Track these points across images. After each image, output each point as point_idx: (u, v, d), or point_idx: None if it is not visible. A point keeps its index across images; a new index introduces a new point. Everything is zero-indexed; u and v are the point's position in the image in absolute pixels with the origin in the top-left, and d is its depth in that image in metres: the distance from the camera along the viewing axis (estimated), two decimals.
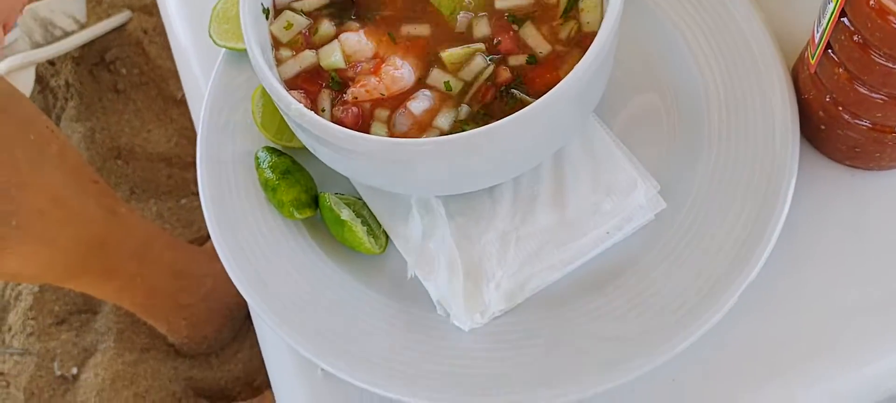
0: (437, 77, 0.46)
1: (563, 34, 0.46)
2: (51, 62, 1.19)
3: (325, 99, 0.46)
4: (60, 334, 1.08)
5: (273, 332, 0.50)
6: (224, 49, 0.55)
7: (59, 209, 0.79)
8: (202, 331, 1.03)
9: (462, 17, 0.47)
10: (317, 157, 0.47)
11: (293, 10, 0.49)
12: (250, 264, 0.49)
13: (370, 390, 0.46)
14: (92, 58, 1.19)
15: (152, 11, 1.21)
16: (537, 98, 0.41)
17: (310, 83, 0.47)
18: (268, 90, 0.44)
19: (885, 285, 0.46)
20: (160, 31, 1.20)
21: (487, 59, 0.45)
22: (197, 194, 1.13)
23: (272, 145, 0.53)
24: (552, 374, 0.44)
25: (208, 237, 1.12)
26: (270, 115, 0.53)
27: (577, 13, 0.46)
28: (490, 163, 0.44)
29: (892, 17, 0.39)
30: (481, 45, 0.46)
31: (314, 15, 0.49)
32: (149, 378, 1.03)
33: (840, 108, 0.46)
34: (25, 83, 1.01)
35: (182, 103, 1.17)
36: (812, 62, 0.46)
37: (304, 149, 0.50)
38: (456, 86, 0.45)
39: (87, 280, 0.90)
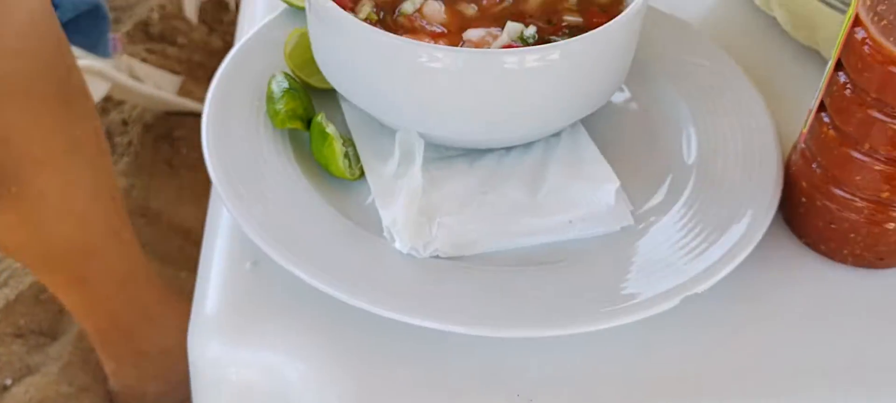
0: None
1: None
2: (125, 122, 1.27)
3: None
4: (13, 344, 1.05)
5: (228, 215, 0.50)
6: (286, 4, 0.60)
7: (61, 203, 0.79)
8: (145, 386, 0.98)
9: None
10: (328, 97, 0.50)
11: None
12: (228, 155, 0.50)
13: (299, 275, 0.44)
14: (160, 129, 1.27)
15: None
16: None
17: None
18: None
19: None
20: None
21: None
22: (194, 270, 1.14)
23: (292, 74, 0.55)
24: (472, 305, 0.43)
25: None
26: (300, 50, 0.56)
27: None
28: (511, 100, 0.46)
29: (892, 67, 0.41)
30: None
31: None
32: None
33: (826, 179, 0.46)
34: (95, 91, 1.07)
35: None
36: (803, 131, 0.48)
37: (321, 89, 0.53)
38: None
39: (58, 279, 0.89)
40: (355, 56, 0.48)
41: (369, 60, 0.47)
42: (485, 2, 0.52)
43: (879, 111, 0.42)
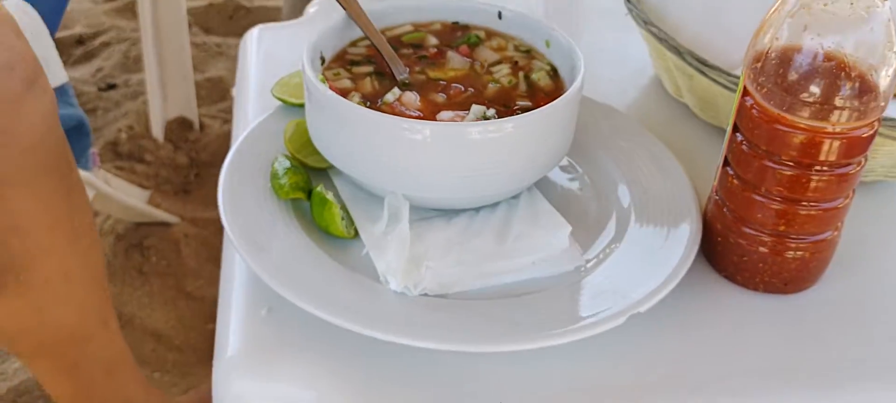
0: None
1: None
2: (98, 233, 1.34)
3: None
4: None
5: (241, 265, 0.58)
6: (279, 101, 0.71)
7: (64, 290, 0.87)
8: None
9: None
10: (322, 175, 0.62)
11: (346, 66, 0.65)
12: (242, 220, 0.59)
13: (312, 312, 0.53)
14: (132, 238, 1.34)
15: (198, 224, 1.38)
16: None
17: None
18: (305, 70, 0.59)
19: None
20: (197, 239, 1.35)
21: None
22: (168, 371, 1.19)
23: (291, 156, 0.65)
24: (457, 328, 0.52)
25: None
26: (298, 136, 0.66)
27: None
28: (477, 164, 0.57)
29: (778, 125, 0.52)
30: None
31: (359, 74, 0.65)
32: None
33: (736, 219, 0.58)
34: None
35: (191, 296, 1.28)
36: (714, 184, 0.59)
37: (316, 168, 0.63)
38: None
39: (50, 365, 0.94)
40: (350, 133, 0.58)
41: (363, 136, 0.57)
42: (452, 91, 0.63)
43: (770, 160, 0.54)
